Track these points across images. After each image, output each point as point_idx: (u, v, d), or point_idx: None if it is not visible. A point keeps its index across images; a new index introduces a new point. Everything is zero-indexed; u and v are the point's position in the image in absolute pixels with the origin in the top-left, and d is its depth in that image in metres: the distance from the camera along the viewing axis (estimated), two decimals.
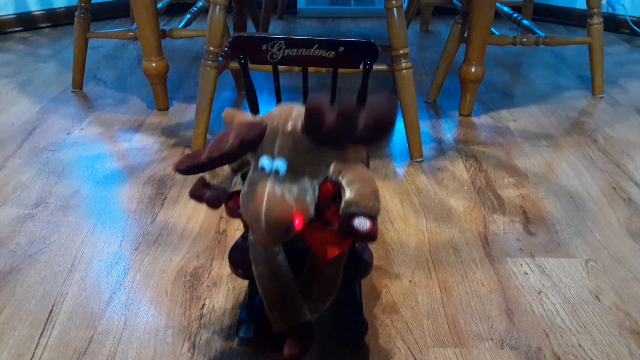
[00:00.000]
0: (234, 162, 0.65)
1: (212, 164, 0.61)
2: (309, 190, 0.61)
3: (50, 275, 0.93)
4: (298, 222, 0.58)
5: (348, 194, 0.62)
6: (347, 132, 0.57)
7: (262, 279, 0.69)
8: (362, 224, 0.60)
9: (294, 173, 0.60)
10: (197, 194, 0.66)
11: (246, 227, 0.76)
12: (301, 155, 0.61)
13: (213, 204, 0.66)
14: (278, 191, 0.59)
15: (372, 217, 0.60)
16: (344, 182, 0.62)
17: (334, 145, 0.60)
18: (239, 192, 0.65)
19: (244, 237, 0.79)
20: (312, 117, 0.58)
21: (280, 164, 0.60)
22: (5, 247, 1.00)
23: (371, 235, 0.60)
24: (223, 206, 0.68)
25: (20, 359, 0.77)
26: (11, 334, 0.81)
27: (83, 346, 0.79)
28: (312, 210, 0.61)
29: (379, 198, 0.63)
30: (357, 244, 0.76)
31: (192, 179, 1.24)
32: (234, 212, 0.68)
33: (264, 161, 0.61)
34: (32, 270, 0.94)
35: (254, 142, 0.61)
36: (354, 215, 0.60)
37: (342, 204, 0.62)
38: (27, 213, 1.10)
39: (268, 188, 0.59)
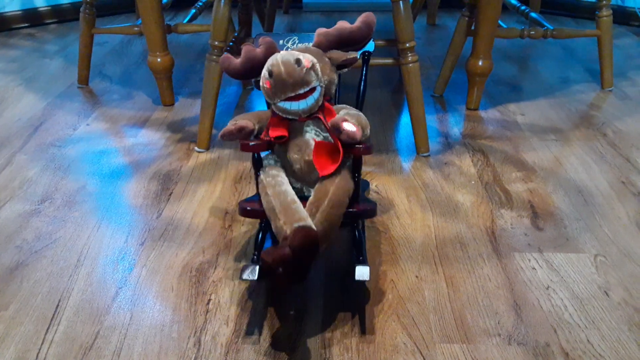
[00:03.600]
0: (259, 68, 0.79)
1: (244, 67, 0.79)
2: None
3: (57, 271, 0.93)
4: (306, 62, 0.74)
5: (344, 113, 0.77)
6: (346, 40, 0.80)
7: (268, 199, 0.76)
8: (349, 125, 0.73)
9: None
10: (226, 130, 0.76)
11: (257, 166, 0.81)
12: (311, 52, 0.77)
13: (242, 126, 0.76)
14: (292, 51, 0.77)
15: (360, 128, 0.74)
16: (343, 113, 0.77)
17: (337, 48, 0.80)
18: (249, 141, 0.79)
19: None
20: (321, 35, 0.81)
21: None
22: (12, 243, 1.01)
23: (355, 135, 0.73)
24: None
25: (27, 354, 0.77)
26: (18, 329, 0.82)
27: (89, 341, 0.79)
28: (318, 69, 0.75)
29: (368, 131, 0.78)
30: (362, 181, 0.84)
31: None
32: (246, 146, 0.77)
33: None
34: (39, 265, 0.95)
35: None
36: (345, 119, 0.74)
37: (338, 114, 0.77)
38: (34, 209, 1.11)
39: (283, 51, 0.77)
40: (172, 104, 1.59)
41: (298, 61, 0.74)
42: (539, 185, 1.18)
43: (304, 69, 0.74)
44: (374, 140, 1.37)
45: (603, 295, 0.87)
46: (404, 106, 1.58)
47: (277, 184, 0.77)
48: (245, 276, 0.78)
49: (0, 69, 1.88)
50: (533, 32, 1.56)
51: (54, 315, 0.84)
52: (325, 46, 0.80)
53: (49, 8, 2.38)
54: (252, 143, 0.77)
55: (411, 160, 1.29)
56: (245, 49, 0.78)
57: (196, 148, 1.34)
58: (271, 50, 0.77)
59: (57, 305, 0.86)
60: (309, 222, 0.72)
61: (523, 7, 1.76)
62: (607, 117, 1.49)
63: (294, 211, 0.73)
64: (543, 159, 1.28)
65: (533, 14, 1.71)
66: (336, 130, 0.73)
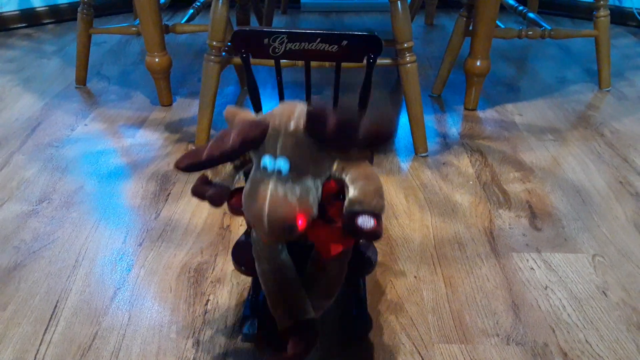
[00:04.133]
0: (235, 160, 0.65)
1: (212, 162, 0.60)
2: (312, 190, 0.60)
3: (55, 272, 0.93)
4: (301, 223, 0.58)
5: (352, 191, 0.61)
6: (348, 139, 0.57)
7: (265, 276, 0.69)
8: (366, 222, 0.59)
9: (296, 172, 0.59)
10: (199, 192, 0.65)
11: (249, 224, 0.75)
12: (304, 154, 0.60)
13: (215, 202, 0.65)
14: (280, 191, 0.58)
15: (376, 215, 0.60)
16: (347, 180, 0.62)
17: (335, 149, 0.60)
18: (241, 189, 0.65)
19: (247, 234, 0.79)
20: (314, 123, 0.57)
21: (282, 164, 0.59)
22: (10, 243, 1.00)
23: (375, 233, 0.59)
24: (226, 203, 0.68)
25: (25, 355, 0.77)
26: (16, 330, 0.81)
27: (87, 342, 0.79)
28: (315, 210, 0.61)
29: (383, 196, 0.62)
30: (360, 241, 0.76)
31: (196, 175, 1.24)
32: (236, 210, 0.67)
33: (266, 160, 0.60)
34: (37, 266, 0.94)
35: (255, 140, 0.60)
36: (357, 213, 0.60)
37: (346, 202, 0.62)
38: (31, 209, 1.10)
39: (270, 188, 0.59)
40: (170, 104, 1.59)
41: (290, 229, 0.58)
42: (536, 186, 1.18)
43: (297, 231, 0.59)
44: None
45: (601, 295, 0.88)
46: (402, 106, 1.58)
47: (273, 255, 0.68)
48: (245, 330, 0.78)
49: None
50: (531, 33, 1.57)
51: (52, 316, 0.84)
52: (318, 138, 0.59)
53: (47, 8, 2.37)
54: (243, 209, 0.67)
55: (409, 161, 1.29)
56: (218, 136, 0.61)
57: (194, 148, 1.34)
58: (245, 142, 0.59)
59: (55, 306, 0.86)
60: (309, 311, 0.68)
61: (521, 8, 1.76)
62: (605, 117, 1.50)
63: (292, 299, 0.68)
64: (541, 159, 1.29)
65: (531, 14, 1.72)
66: (350, 230, 0.60)
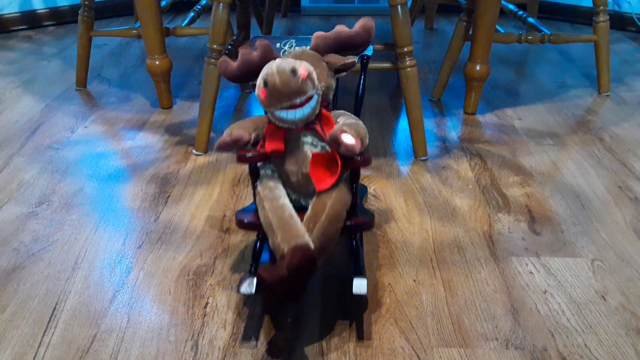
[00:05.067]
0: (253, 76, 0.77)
1: (240, 70, 0.77)
2: (315, 71, 0.75)
3: (54, 274, 0.93)
4: (303, 71, 0.72)
5: (343, 120, 0.76)
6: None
7: (265, 213, 0.74)
8: (348, 138, 0.71)
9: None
10: (221, 141, 0.74)
11: (254, 176, 0.80)
12: (308, 57, 0.77)
13: (237, 138, 0.75)
14: (287, 59, 0.75)
15: (361, 141, 0.73)
16: (341, 122, 0.76)
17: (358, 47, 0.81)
18: (246, 149, 0.77)
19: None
20: (317, 37, 0.80)
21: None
22: (9, 245, 1.00)
23: (354, 149, 0.71)
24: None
25: (24, 357, 0.77)
26: (14, 332, 0.81)
27: (86, 344, 0.79)
28: (316, 82, 0.74)
29: (367, 140, 0.76)
30: (358, 188, 0.82)
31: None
32: (243, 156, 0.75)
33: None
34: (36, 268, 0.94)
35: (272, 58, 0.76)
36: (344, 131, 0.72)
37: (337, 124, 0.76)
38: (31, 211, 1.10)
39: (278, 59, 0.75)
40: (170, 107, 1.59)
41: (294, 71, 0.72)
42: (536, 190, 1.18)
43: (300, 79, 0.72)
44: (372, 145, 1.38)
45: (600, 299, 0.88)
46: (402, 110, 1.59)
47: (275, 197, 0.76)
48: (243, 289, 0.77)
49: None
50: (530, 37, 1.57)
51: (50, 318, 0.84)
52: (322, 50, 0.79)
53: (47, 10, 2.38)
54: (249, 155, 0.75)
55: (409, 164, 1.29)
56: (241, 52, 0.76)
57: (194, 151, 1.34)
58: (268, 54, 0.75)
59: (54, 308, 0.86)
60: (307, 238, 0.71)
61: (520, 12, 1.77)
62: (604, 122, 1.50)
63: (291, 227, 0.72)
64: (540, 164, 1.29)
65: (530, 19, 1.72)
66: (334, 142, 0.72)
